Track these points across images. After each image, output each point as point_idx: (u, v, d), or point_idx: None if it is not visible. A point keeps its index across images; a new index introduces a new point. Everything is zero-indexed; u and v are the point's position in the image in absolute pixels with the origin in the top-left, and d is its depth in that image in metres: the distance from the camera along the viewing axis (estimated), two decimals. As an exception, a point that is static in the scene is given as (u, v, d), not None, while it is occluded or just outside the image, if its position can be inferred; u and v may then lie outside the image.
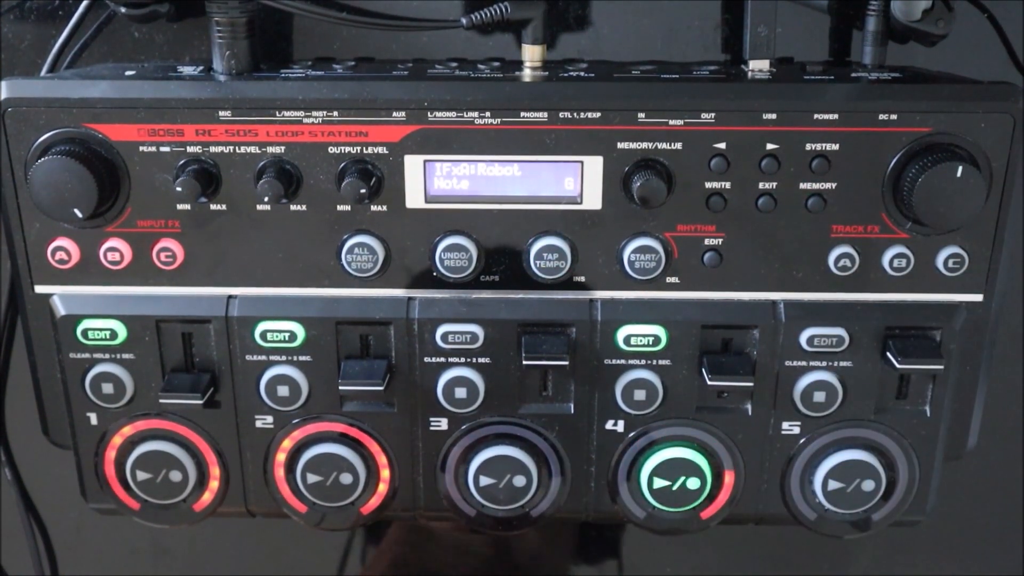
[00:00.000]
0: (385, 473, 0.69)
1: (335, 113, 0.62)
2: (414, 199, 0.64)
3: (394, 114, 0.62)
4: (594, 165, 0.63)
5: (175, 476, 0.69)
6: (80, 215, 0.61)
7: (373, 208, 0.64)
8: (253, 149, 0.63)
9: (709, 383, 0.65)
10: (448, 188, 0.64)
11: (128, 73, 0.65)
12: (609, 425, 0.68)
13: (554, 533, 0.89)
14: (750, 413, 0.67)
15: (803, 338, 0.65)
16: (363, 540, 0.89)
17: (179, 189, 0.62)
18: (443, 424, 0.68)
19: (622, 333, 0.66)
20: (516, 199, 0.64)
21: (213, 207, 0.64)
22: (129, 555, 0.88)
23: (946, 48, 0.66)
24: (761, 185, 0.63)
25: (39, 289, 0.66)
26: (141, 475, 0.69)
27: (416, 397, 0.67)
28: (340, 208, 0.64)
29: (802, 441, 0.68)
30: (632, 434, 0.68)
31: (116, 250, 0.65)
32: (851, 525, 0.70)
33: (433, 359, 0.66)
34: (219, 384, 0.67)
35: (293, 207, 0.64)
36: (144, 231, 0.64)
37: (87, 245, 0.65)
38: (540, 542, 0.89)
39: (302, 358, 0.66)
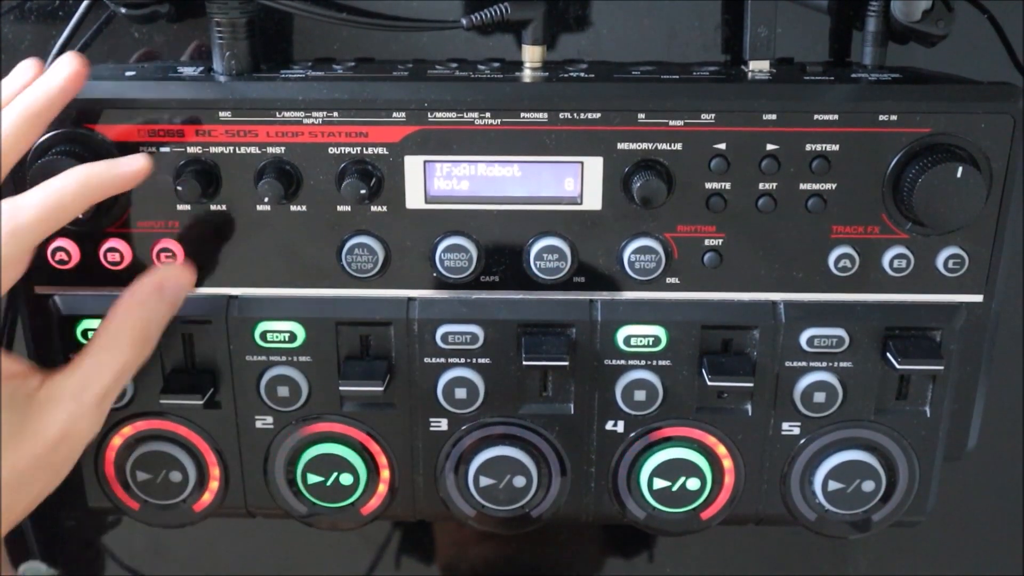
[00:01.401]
0: (385, 474, 0.69)
1: (335, 114, 0.62)
2: (414, 200, 0.64)
3: (394, 115, 0.62)
4: (594, 165, 0.63)
5: (175, 476, 0.69)
6: (80, 215, 0.61)
7: (373, 209, 0.64)
8: (253, 150, 0.63)
9: (709, 383, 0.65)
10: (448, 189, 0.64)
11: (128, 73, 0.65)
12: (609, 425, 0.68)
13: (553, 534, 0.89)
14: (750, 413, 0.67)
15: (803, 338, 0.65)
16: (363, 541, 0.89)
17: (179, 189, 0.62)
18: (443, 424, 0.68)
19: (622, 333, 0.65)
20: (516, 199, 0.64)
21: (213, 207, 0.64)
22: (129, 555, 0.88)
23: (946, 49, 0.66)
24: (761, 186, 0.63)
25: (39, 290, 0.66)
26: (141, 475, 0.69)
27: (416, 398, 0.67)
28: (340, 209, 0.64)
29: (802, 442, 0.68)
30: (632, 434, 0.68)
31: (116, 251, 0.65)
32: (851, 526, 0.70)
33: (433, 359, 0.66)
34: (219, 385, 0.67)
35: (293, 208, 0.64)
36: (144, 232, 0.64)
37: (87, 246, 0.64)
38: (539, 543, 0.89)
39: (302, 359, 0.66)
